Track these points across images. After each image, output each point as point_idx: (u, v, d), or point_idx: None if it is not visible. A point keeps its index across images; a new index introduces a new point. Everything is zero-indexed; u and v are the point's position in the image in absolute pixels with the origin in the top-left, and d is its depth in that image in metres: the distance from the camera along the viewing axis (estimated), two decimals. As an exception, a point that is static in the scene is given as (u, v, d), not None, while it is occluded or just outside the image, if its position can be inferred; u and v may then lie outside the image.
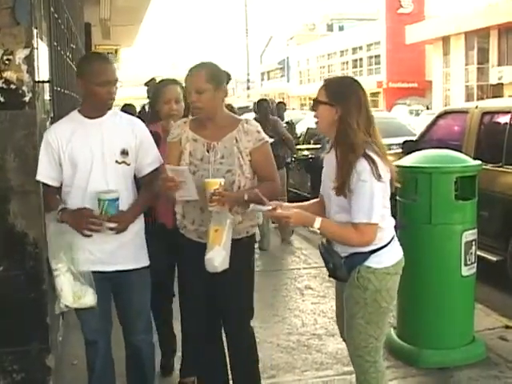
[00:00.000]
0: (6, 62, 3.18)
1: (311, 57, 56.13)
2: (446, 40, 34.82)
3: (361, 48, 47.04)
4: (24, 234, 3.26)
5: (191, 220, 3.01)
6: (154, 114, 3.79)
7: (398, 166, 3.99)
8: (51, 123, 3.89)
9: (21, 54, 3.20)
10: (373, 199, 2.55)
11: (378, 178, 2.55)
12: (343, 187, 2.60)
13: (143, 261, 3.03)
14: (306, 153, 10.03)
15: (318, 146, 9.31)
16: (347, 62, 49.63)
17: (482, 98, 27.41)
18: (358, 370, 2.80)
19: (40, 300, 3.27)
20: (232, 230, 2.84)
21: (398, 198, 3.98)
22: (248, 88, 56.55)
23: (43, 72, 3.80)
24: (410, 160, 4.12)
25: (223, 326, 3.12)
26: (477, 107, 6.48)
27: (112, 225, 2.81)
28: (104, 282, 2.90)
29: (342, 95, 2.65)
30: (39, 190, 3.14)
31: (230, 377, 3.22)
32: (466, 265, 3.87)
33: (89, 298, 2.79)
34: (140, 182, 3.06)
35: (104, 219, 2.78)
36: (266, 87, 67.02)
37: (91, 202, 2.81)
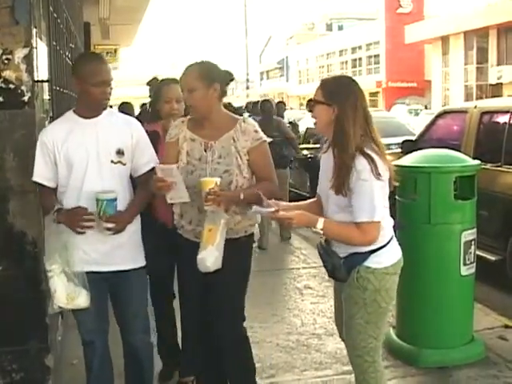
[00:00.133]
0: (5, 61, 3.19)
1: (310, 56, 56.14)
2: (445, 40, 34.84)
3: (360, 48, 47.05)
4: (23, 233, 3.27)
5: (189, 220, 3.00)
6: (154, 113, 3.78)
7: (397, 166, 4.00)
8: (50, 123, 3.89)
9: (20, 54, 3.20)
10: (374, 198, 2.55)
11: (378, 176, 2.55)
12: (342, 186, 2.60)
13: (140, 261, 3.02)
14: (305, 152, 10.03)
15: (317, 145, 9.33)
16: (346, 62, 49.64)
17: (481, 98, 27.45)
18: (357, 369, 2.79)
19: (39, 299, 3.27)
20: (226, 230, 2.83)
21: (397, 197, 3.99)
22: (247, 88, 56.57)
23: (42, 71, 3.80)
24: (410, 160, 4.12)
25: (215, 326, 3.05)
26: (476, 107, 6.47)
27: (110, 225, 2.80)
28: (100, 282, 2.90)
29: (338, 95, 2.65)
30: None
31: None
32: (465, 264, 3.87)
33: (82, 299, 2.78)
34: (136, 182, 3.05)
35: (102, 219, 2.77)
36: (266, 87, 67.02)
37: (86, 201, 2.80)
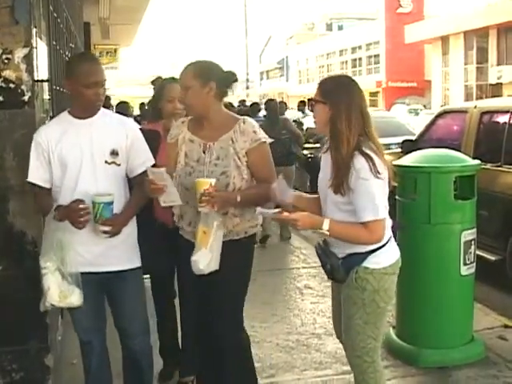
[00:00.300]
0: (5, 61, 3.19)
1: (310, 56, 56.14)
2: (445, 39, 34.85)
3: (360, 47, 47.06)
4: (23, 233, 3.27)
5: (188, 221, 2.98)
6: (155, 112, 3.75)
7: (397, 166, 4.01)
8: (50, 122, 3.89)
9: (20, 53, 3.20)
10: (375, 196, 2.55)
11: (377, 174, 2.55)
12: (341, 185, 2.59)
13: (135, 261, 3.00)
14: (305, 152, 10.03)
15: (317, 145, 9.33)
16: (346, 62, 49.65)
17: (481, 98, 27.45)
18: (357, 370, 2.79)
19: (39, 299, 3.25)
20: (224, 232, 2.81)
21: (397, 197, 3.99)
22: (247, 88, 56.55)
23: (42, 71, 3.80)
24: (409, 159, 4.12)
25: (215, 326, 3.02)
26: (476, 107, 6.47)
27: (106, 228, 2.78)
28: (96, 282, 2.88)
29: (333, 93, 2.64)
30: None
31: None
32: (465, 264, 3.87)
33: (75, 298, 2.77)
34: (132, 183, 3.02)
35: (98, 223, 2.75)
36: (265, 87, 67.04)
37: None
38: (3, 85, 3.19)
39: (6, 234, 3.26)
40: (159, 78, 3.91)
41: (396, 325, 4.17)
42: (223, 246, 2.81)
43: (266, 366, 3.88)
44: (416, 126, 14.36)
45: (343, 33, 54.21)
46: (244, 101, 17.34)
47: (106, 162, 2.87)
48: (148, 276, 3.81)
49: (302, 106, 15.19)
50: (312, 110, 2.78)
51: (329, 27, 62.12)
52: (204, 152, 2.92)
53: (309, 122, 10.91)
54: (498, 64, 30.93)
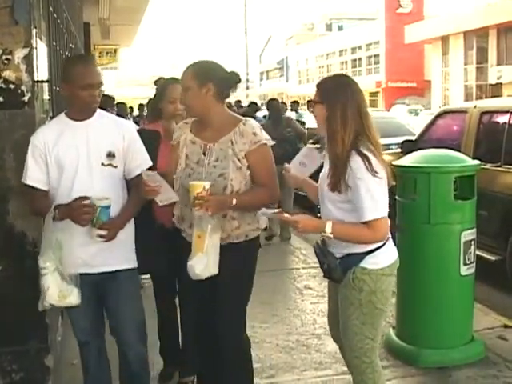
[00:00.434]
0: (5, 61, 3.19)
1: (310, 56, 56.16)
2: (444, 40, 34.87)
3: (360, 48, 47.08)
4: (23, 233, 3.27)
5: (189, 224, 2.95)
6: (155, 112, 3.73)
7: (397, 166, 4.02)
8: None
9: (20, 54, 3.20)
10: (374, 194, 2.55)
11: (374, 173, 2.54)
12: (338, 183, 2.60)
13: (132, 262, 2.99)
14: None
15: (317, 145, 9.33)
16: (346, 62, 49.67)
17: (481, 98, 27.47)
18: (355, 370, 2.80)
19: (39, 299, 3.27)
20: (222, 235, 2.79)
21: (397, 197, 3.99)
22: (247, 88, 56.52)
23: (42, 72, 3.80)
24: (409, 160, 4.12)
25: (216, 327, 3.00)
26: (476, 107, 6.48)
27: (102, 232, 2.77)
28: (91, 283, 2.88)
29: (330, 93, 2.65)
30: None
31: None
32: (464, 264, 3.87)
33: (73, 298, 2.76)
34: (130, 184, 3.00)
35: (95, 226, 2.74)
36: (265, 87, 67.07)
37: None
38: (3, 85, 3.20)
39: (6, 235, 3.26)
40: (161, 78, 3.89)
41: (396, 325, 4.17)
42: (223, 250, 2.78)
43: (266, 366, 3.89)
44: (416, 126, 14.36)
45: (343, 33, 54.25)
46: (240, 101, 17.28)
47: (102, 163, 2.86)
48: (148, 276, 3.82)
49: (295, 105, 15.23)
50: (312, 111, 2.79)
51: (328, 27, 62.17)
52: (204, 153, 2.91)
53: (309, 122, 10.91)
54: (498, 64, 30.95)
